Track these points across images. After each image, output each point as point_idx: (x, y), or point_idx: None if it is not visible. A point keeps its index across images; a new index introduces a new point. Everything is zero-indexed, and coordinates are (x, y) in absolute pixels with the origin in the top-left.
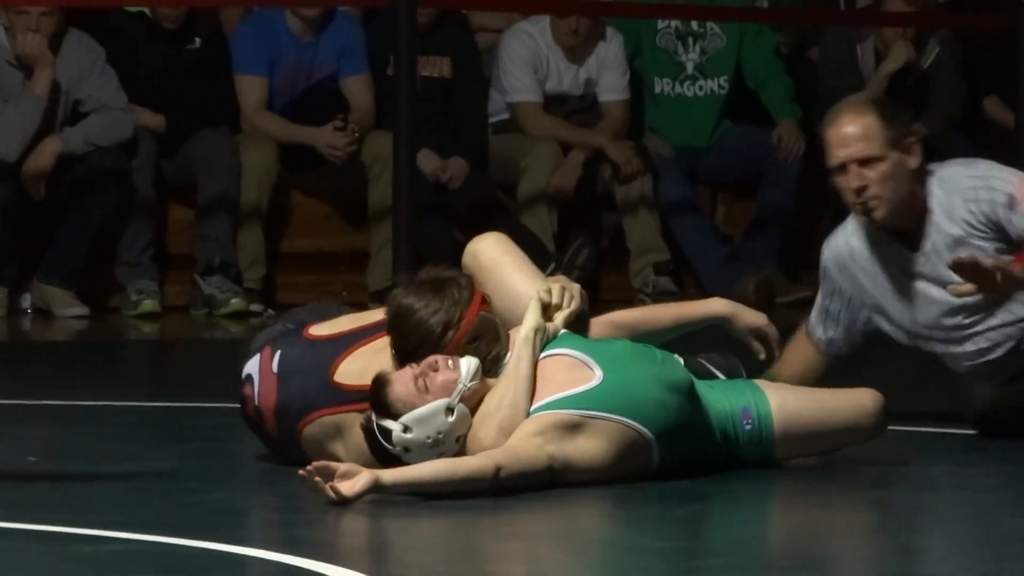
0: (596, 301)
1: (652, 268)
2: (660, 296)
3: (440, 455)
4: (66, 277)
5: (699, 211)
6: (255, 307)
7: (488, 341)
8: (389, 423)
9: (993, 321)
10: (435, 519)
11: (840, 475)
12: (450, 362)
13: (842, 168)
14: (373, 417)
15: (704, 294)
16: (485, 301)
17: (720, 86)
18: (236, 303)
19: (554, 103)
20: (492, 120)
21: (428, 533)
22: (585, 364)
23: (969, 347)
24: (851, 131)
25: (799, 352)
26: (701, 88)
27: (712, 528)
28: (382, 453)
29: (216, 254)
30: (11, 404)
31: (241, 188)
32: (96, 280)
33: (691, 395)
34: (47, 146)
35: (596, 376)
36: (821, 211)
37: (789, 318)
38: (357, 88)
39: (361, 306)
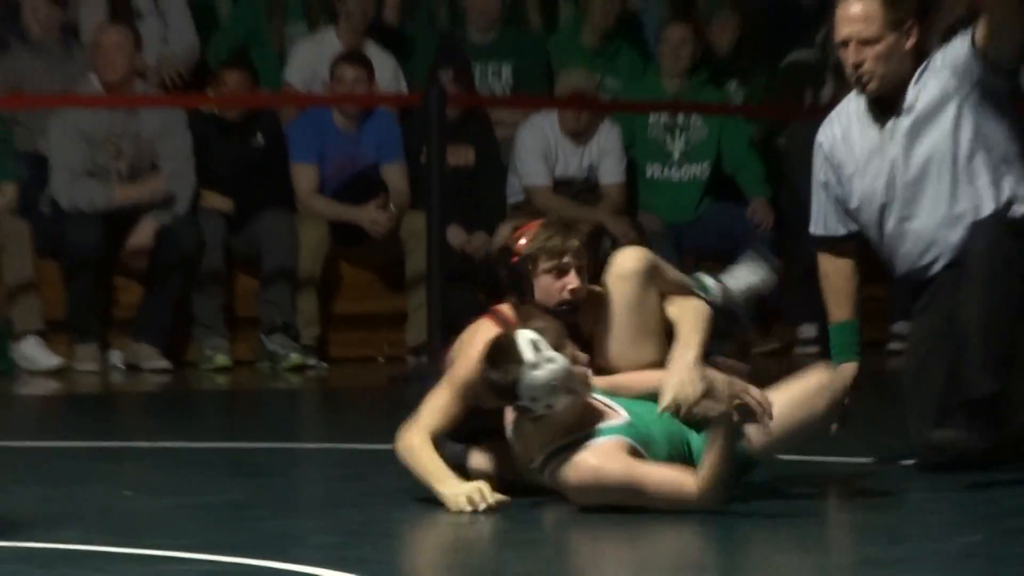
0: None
1: None
2: None
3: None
4: (153, 336)
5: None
6: (311, 361)
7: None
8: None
9: (929, 219)
10: (508, 544)
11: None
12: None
13: (844, 43)
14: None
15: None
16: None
17: (702, 171)
18: (295, 358)
19: (561, 185)
20: (510, 201)
21: (488, 557)
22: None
23: (909, 246)
24: (855, 12)
25: (841, 273)
26: (686, 172)
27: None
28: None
29: (277, 316)
30: (107, 446)
31: (298, 260)
32: (176, 338)
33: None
34: (146, 226)
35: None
36: (788, 274)
37: (764, 365)
38: (395, 174)
39: (400, 360)
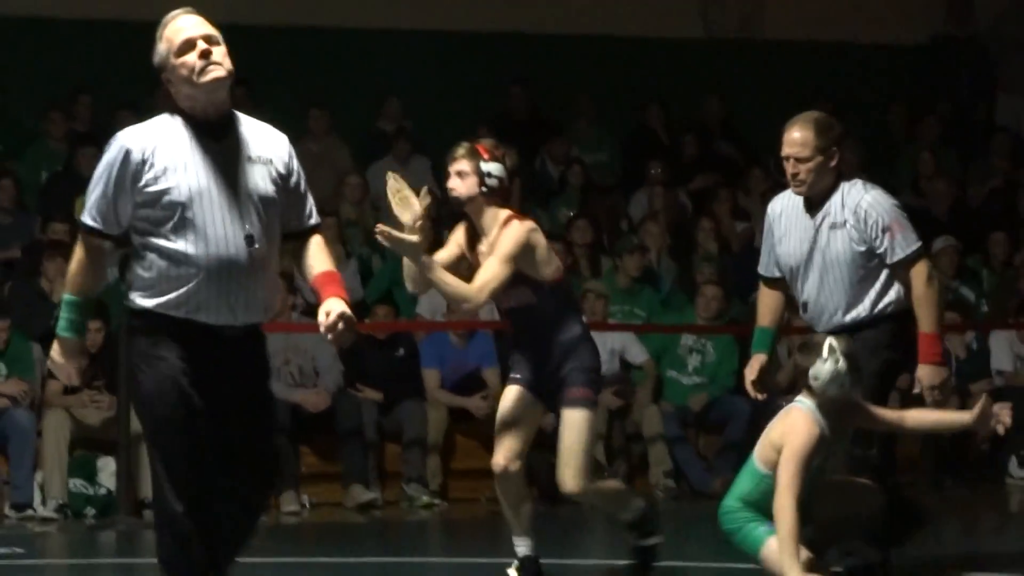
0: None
1: (662, 473)
2: (669, 491)
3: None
4: (352, 479)
5: (687, 442)
6: (436, 501)
7: None
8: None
9: (831, 291)
10: None
11: None
12: None
13: (786, 159)
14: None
15: (693, 491)
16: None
17: (708, 378)
18: (425, 500)
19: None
20: None
21: None
22: None
23: (812, 300)
24: (796, 137)
25: (770, 299)
26: (697, 379)
27: None
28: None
29: (414, 471)
30: (341, 561)
31: (428, 433)
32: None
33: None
34: (322, 398)
35: None
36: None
37: None
38: (492, 375)
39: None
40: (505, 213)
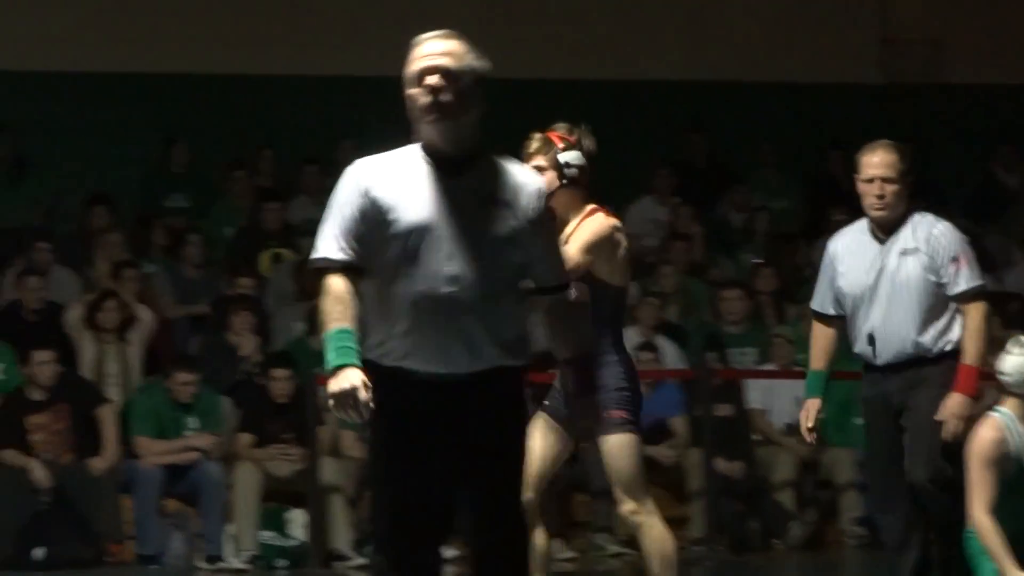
0: None
1: (852, 520)
2: (859, 539)
3: None
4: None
5: None
6: (626, 551)
7: None
8: None
9: (896, 322)
10: None
11: None
12: None
13: (871, 180)
14: None
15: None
16: None
17: None
18: (614, 549)
19: None
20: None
21: None
22: None
23: (863, 325)
24: (883, 159)
25: (824, 339)
26: None
27: None
28: None
29: (603, 519)
30: None
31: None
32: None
33: None
34: None
35: None
36: None
37: None
38: (679, 423)
39: (684, 547)
40: (591, 205)
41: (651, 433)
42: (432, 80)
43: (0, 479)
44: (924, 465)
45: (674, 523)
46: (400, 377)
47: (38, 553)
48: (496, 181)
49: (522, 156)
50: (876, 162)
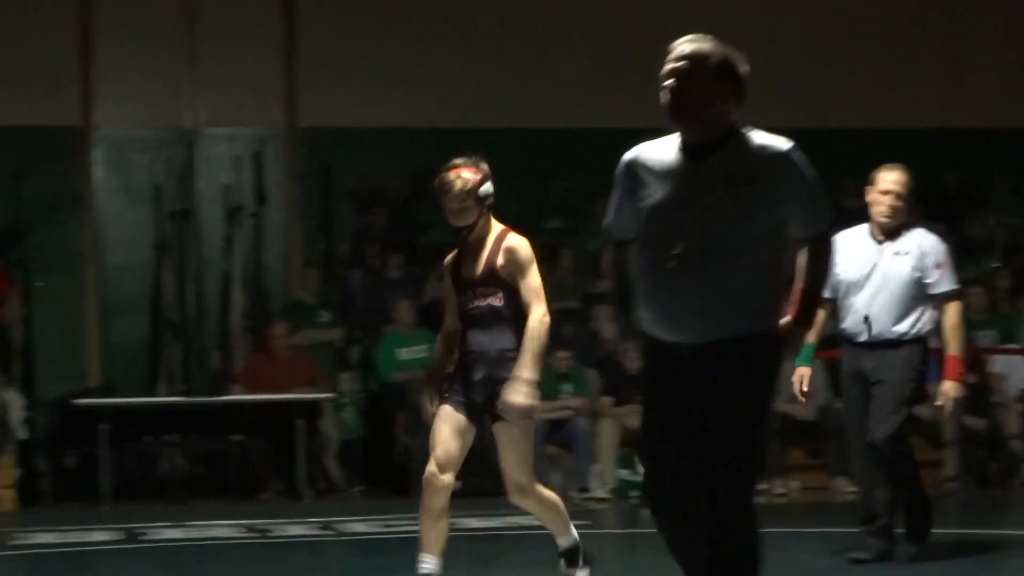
0: None
1: None
2: None
3: None
4: (838, 471)
5: None
6: None
7: None
8: None
9: (884, 307)
10: None
11: None
12: None
13: (886, 193)
14: None
15: None
16: None
17: None
18: None
19: None
20: None
21: None
22: None
23: (866, 314)
24: (899, 178)
25: (819, 317)
26: None
27: None
28: None
29: None
30: None
31: None
32: None
33: None
34: (809, 410)
35: None
36: None
37: None
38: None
39: None
40: (502, 226)
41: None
42: (668, 83)
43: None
44: (882, 427)
45: (931, 465)
46: (651, 344)
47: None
48: (743, 159)
49: (443, 196)
50: (893, 179)
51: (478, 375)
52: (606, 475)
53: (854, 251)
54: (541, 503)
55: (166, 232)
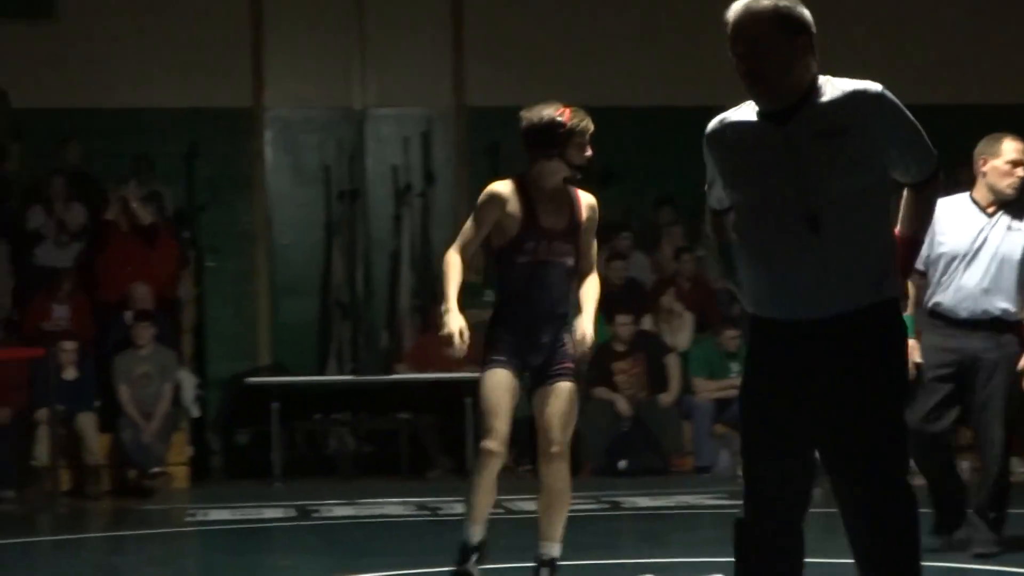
0: None
1: None
2: None
3: None
4: None
5: None
6: None
7: None
8: None
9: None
10: None
11: None
12: None
13: (1016, 163)
14: None
15: None
16: None
17: None
18: None
19: None
20: None
21: None
22: None
23: (969, 289)
24: (1022, 146)
25: (917, 289)
26: None
27: None
28: None
29: None
30: None
31: None
32: None
33: None
34: None
35: None
36: None
37: None
38: None
39: None
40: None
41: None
42: (738, 50)
43: (594, 409)
44: (996, 427)
45: None
46: (761, 325)
47: (622, 464)
48: (831, 110)
49: (580, 135)
50: (1019, 148)
51: (546, 338)
52: None
53: (959, 222)
54: (568, 478)
55: (335, 212)
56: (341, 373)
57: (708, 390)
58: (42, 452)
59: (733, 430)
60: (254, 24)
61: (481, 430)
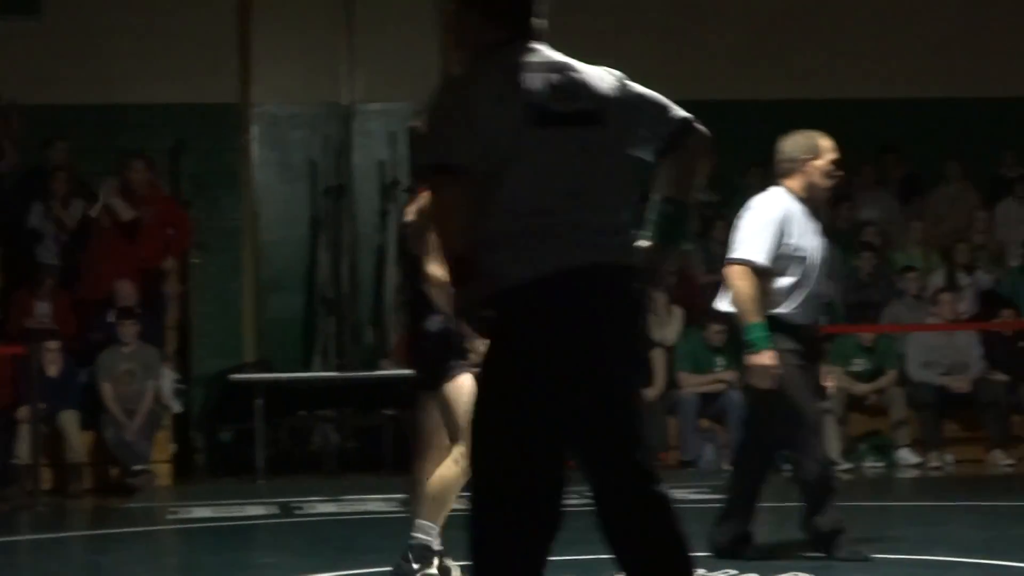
0: None
1: None
2: None
3: None
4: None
5: None
6: None
7: None
8: None
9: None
10: None
11: None
12: None
13: (837, 166)
14: None
15: None
16: None
17: None
18: None
19: None
20: None
21: None
22: None
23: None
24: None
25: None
26: None
27: None
28: None
29: None
30: None
31: None
32: None
33: None
34: (965, 383)
35: None
36: None
37: None
38: None
39: None
40: None
41: None
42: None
43: None
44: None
45: None
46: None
47: None
48: None
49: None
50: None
51: None
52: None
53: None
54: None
55: (322, 208)
56: (326, 369)
57: (693, 384)
58: (23, 450)
59: (716, 424)
60: (241, 20)
61: (461, 437)
